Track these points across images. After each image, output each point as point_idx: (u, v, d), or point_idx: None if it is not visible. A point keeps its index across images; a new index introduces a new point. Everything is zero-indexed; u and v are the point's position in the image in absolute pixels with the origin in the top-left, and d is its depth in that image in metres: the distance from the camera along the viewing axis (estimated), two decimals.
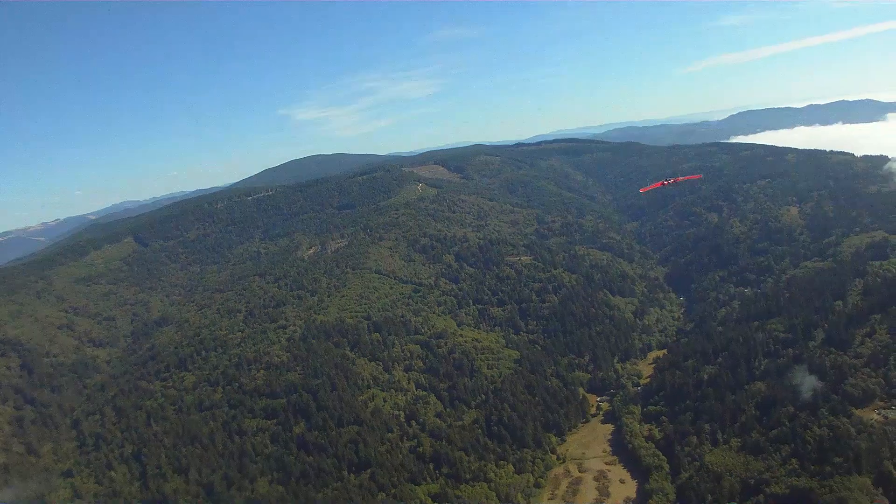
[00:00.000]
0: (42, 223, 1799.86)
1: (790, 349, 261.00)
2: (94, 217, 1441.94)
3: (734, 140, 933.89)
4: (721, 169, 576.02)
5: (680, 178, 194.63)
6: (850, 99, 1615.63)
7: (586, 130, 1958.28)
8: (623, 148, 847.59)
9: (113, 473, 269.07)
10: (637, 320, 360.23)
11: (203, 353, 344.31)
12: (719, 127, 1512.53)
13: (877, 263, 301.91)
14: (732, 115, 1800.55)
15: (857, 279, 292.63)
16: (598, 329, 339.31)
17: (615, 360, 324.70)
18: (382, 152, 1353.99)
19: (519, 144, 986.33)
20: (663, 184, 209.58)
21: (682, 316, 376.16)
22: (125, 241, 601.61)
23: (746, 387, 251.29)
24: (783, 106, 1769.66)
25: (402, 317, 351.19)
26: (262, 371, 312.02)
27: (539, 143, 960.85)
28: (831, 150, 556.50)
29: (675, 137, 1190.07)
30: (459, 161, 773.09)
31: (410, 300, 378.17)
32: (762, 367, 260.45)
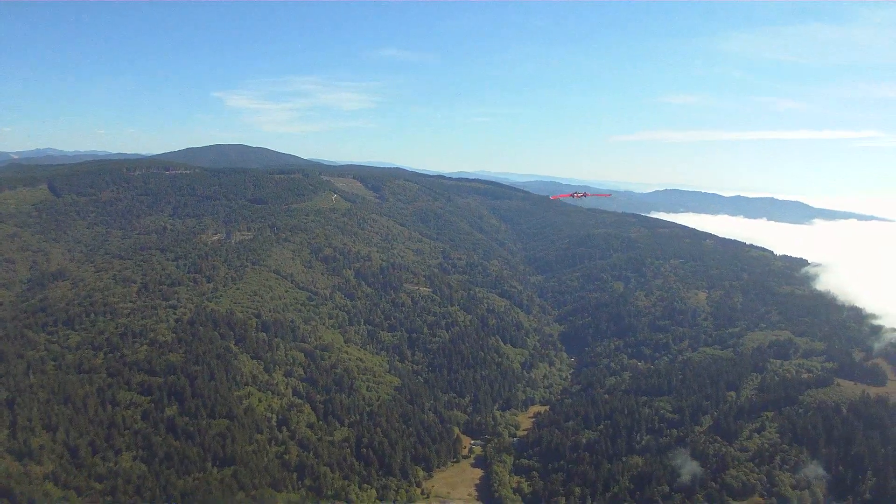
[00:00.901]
0: None
1: (675, 430, 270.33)
2: (16, 157, 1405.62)
3: (655, 215, 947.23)
4: (636, 241, 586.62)
5: (589, 194, 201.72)
6: (780, 198, 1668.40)
7: (510, 177, 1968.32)
8: (542, 201, 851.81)
9: None
10: (524, 372, 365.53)
11: (92, 315, 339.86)
12: (643, 199, 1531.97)
13: (777, 362, 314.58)
14: (658, 191, 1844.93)
15: (755, 374, 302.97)
16: (483, 373, 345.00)
17: (495, 407, 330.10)
18: (305, 156, 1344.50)
19: (440, 176, 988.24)
20: (573, 195, 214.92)
21: (570, 377, 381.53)
22: (40, 187, 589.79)
23: (624, 458, 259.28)
24: (711, 192, 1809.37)
25: (292, 322, 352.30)
26: (145, 346, 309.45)
27: (460, 180, 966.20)
28: (751, 244, 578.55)
29: (596, 202, 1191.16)
30: (378, 181, 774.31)
31: (303, 307, 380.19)
32: (643, 443, 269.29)
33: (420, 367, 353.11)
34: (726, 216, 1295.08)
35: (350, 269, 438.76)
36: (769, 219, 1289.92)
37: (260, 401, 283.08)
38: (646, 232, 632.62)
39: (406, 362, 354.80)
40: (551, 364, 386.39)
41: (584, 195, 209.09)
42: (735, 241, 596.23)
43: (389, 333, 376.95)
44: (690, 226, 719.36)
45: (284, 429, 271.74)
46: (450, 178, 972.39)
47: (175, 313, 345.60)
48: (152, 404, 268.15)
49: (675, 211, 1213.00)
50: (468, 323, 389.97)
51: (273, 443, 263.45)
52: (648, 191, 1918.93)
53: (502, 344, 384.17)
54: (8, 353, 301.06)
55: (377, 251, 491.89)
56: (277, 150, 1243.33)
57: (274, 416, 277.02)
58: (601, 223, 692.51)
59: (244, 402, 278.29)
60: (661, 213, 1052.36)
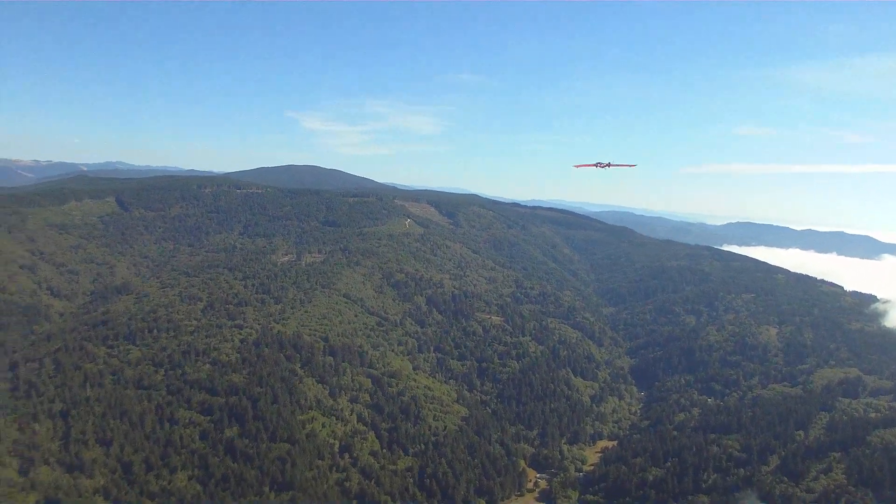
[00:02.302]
0: (34, 160, 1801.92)
1: (742, 469, 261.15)
2: (85, 168, 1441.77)
3: (727, 248, 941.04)
4: (709, 274, 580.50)
5: (614, 164, 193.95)
6: (850, 232, 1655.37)
7: (584, 206, 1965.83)
8: (616, 232, 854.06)
9: (37, 426, 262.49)
10: (593, 406, 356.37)
11: (155, 331, 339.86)
12: (715, 231, 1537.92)
13: (846, 400, 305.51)
14: (731, 223, 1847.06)
15: (823, 412, 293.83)
16: (552, 406, 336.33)
17: (562, 441, 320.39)
18: (379, 179, 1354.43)
19: (515, 204, 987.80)
20: (598, 165, 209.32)
21: (639, 411, 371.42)
22: (107, 199, 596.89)
23: (690, 497, 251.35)
24: (782, 225, 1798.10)
25: (360, 347, 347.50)
26: (207, 365, 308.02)
27: (535, 208, 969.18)
28: (822, 279, 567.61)
29: (670, 232, 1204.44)
30: (452, 206, 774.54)
31: (372, 332, 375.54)
32: (710, 481, 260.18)
33: (489, 397, 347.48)
34: (797, 250, 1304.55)
35: (422, 295, 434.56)
36: (839, 253, 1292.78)
37: (323, 426, 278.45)
38: (719, 265, 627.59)
39: (475, 392, 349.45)
40: (621, 398, 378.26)
41: (609, 164, 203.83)
42: (806, 275, 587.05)
43: (459, 362, 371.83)
44: (762, 259, 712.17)
45: (347, 455, 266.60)
46: (525, 206, 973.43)
47: (240, 333, 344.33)
48: (212, 424, 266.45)
49: (748, 244, 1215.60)
50: (539, 354, 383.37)
51: (334, 469, 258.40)
52: (721, 223, 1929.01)
53: (573, 376, 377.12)
54: (65, 365, 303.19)
55: (450, 278, 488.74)
56: (351, 173, 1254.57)
57: (337, 442, 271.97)
58: (675, 255, 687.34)
59: (307, 426, 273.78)
60: (734, 246, 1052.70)
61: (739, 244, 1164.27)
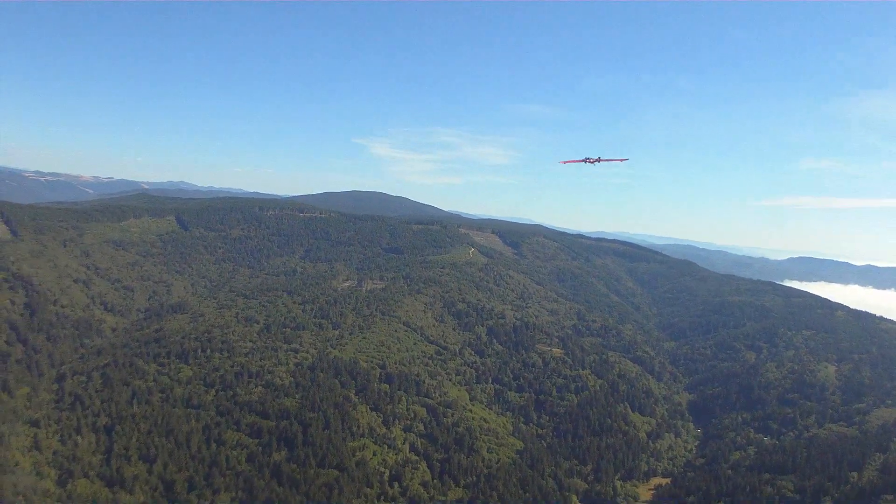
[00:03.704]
0: (95, 177, 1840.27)
1: None
2: (147, 187, 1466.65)
3: (788, 283, 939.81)
4: (770, 310, 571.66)
5: (604, 159, 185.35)
6: None
7: (647, 238, 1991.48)
8: (679, 265, 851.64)
9: (79, 438, 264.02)
10: (649, 442, 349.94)
11: (208, 351, 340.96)
12: (777, 266, 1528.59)
13: None
14: (792, 258, 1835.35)
15: (878, 453, 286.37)
16: (608, 441, 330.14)
17: (616, 477, 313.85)
18: (444, 207, 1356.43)
19: (580, 235, 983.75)
20: (586, 160, 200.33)
21: (695, 448, 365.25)
22: (168, 218, 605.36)
23: None
24: (842, 260, 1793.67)
25: (417, 375, 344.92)
26: (260, 388, 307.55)
27: (599, 240, 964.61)
28: (881, 316, 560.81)
29: (732, 266, 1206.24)
30: (517, 237, 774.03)
31: (430, 361, 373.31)
32: None
33: (545, 430, 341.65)
34: (857, 286, 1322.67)
35: (482, 325, 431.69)
36: None
37: (374, 454, 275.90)
38: (780, 301, 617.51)
39: (531, 425, 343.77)
40: (677, 435, 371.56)
41: (598, 160, 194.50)
42: (866, 312, 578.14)
43: (517, 394, 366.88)
44: (823, 295, 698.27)
45: (396, 485, 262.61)
46: (589, 238, 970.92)
47: (296, 357, 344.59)
48: (260, 447, 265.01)
49: (808, 279, 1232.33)
50: (598, 388, 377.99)
51: (382, 498, 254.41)
52: (782, 258, 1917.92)
53: (631, 412, 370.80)
54: (114, 380, 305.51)
55: (511, 309, 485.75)
56: (417, 200, 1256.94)
57: (387, 471, 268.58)
58: (736, 290, 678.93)
59: (357, 454, 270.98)
60: (795, 282, 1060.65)
61: (800, 279, 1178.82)
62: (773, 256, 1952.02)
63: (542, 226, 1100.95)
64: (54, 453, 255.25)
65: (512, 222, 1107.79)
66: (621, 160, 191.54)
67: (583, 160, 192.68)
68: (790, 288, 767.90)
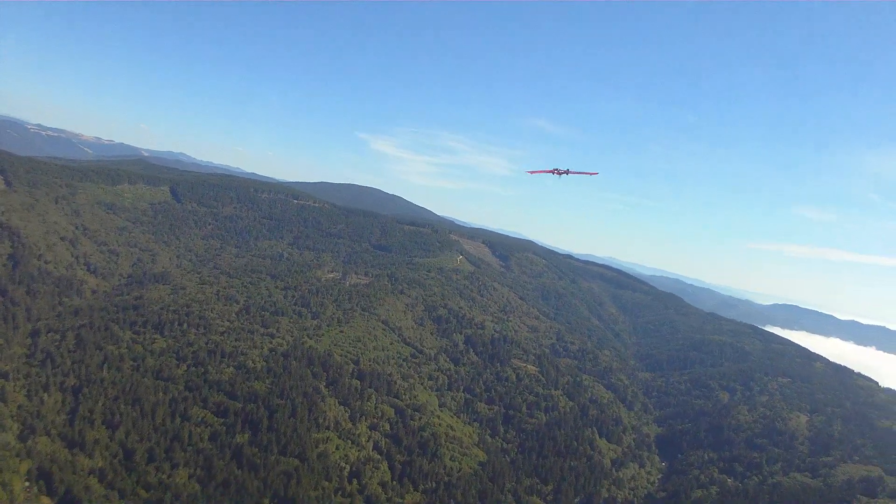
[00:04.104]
0: (96, 137, 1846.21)
1: None
2: (146, 154, 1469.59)
3: (770, 328, 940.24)
4: (749, 353, 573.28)
5: (573, 172, 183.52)
6: (892, 328, 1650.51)
7: (636, 267, 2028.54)
8: (664, 298, 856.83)
9: (45, 396, 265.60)
10: (613, 469, 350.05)
11: (185, 325, 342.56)
12: (761, 310, 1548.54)
13: (864, 499, 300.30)
14: (776, 304, 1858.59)
15: None
16: (571, 463, 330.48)
17: (576, 500, 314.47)
18: (439, 211, 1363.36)
19: (569, 256, 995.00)
20: (555, 171, 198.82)
21: (657, 481, 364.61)
22: (162, 188, 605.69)
23: None
24: (827, 312, 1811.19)
25: (390, 375, 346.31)
26: (231, 368, 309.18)
27: (587, 262, 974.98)
28: (859, 373, 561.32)
29: (717, 305, 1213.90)
30: (507, 249, 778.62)
31: (404, 363, 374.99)
32: None
33: (510, 445, 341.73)
34: (838, 339, 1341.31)
35: (461, 333, 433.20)
36: (878, 348, 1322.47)
37: (337, 448, 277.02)
38: (760, 345, 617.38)
39: (497, 438, 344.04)
40: (642, 465, 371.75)
41: (567, 172, 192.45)
42: (844, 366, 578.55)
43: (487, 406, 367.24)
44: (803, 345, 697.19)
45: (355, 481, 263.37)
46: (578, 260, 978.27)
47: (271, 342, 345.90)
48: (224, 427, 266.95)
49: (791, 327, 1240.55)
50: (568, 409, 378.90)
51: (339, 494, 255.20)
52: (767, 302, 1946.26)
53: (598, 437, 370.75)
54: (88, 342, 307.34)
55: (492, 321, 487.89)
56: (411, 201, 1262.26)
57: (347, 466, 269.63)
58: (718, 330, 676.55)
59: (320, 446, 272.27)
60: (777, 328, 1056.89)
61: (782, 326, 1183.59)
62: (758, 300, 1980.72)
63: (533, 242, 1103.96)
64: (19, 407, 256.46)
65: (503, 235, 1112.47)
66: (591, 174, 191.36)
67: (551, 171, 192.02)
68: (771, 334, 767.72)
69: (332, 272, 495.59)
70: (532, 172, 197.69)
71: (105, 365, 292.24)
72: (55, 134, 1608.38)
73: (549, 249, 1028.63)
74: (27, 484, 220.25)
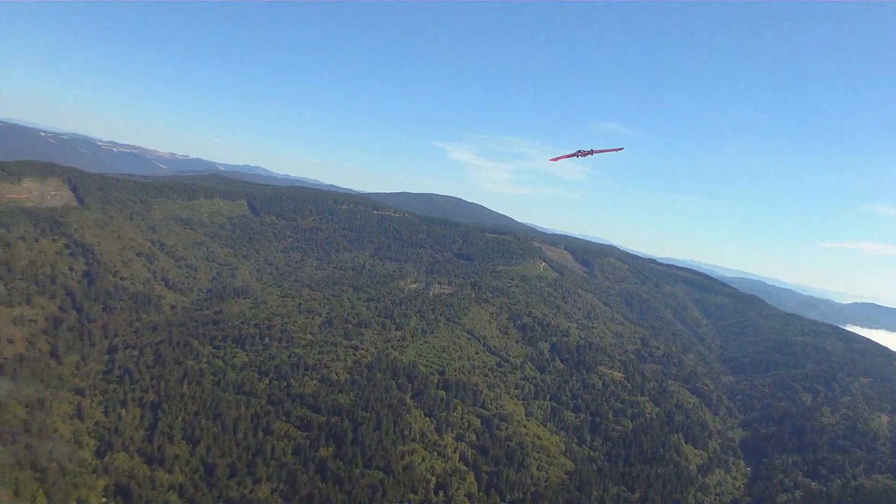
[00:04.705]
0: (171, 153, 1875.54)
1: None
2: (222, 169, 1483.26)
3: (850, 328, 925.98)
4: (831, 354, 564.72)
5: (598, 151, 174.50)
6: None
7: (717, 270, 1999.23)
8: (746, 300, 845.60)
9: (124, 412, 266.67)
10: (699, 475, 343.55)
11: (266, 339, 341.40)
12: (841, 310, 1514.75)
13: None
14: (856, 303, 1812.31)
15: None
16: (658, 471, 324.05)
17: None
18: (520, 218, 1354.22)
19: (651, 260, 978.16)
20: (578, 154, 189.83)
21: (743, 486, 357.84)
22: (239, 202, 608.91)
23: None
24: None
25: (475, 385, 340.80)
26: (315, 381, 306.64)
27: (670, 266, 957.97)
28: None
29: (797, 306, 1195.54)
30: (589, 255, 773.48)
31: (490, 372, 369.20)
32: None
33: (597, 453, 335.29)
34: None
35: (546, 341, 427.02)
36: None
37: (423, 460, 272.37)
38: (841, 345, 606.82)
39: (584, 446, 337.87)
40: (727, 471, 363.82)
41: (591, 152, 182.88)
42: None
43: (573, 414, 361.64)
44: (884, 343, 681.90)
45: (442, 493, 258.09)
46: (660, 264, 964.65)
47: (355, 354, 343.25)
48: (308, 441, 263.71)
49: (871, 326, 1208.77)
50: (654, 416, 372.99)
51: None
52: (846, 301, 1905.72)
53: (684, 443, 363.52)
54: (167, 358, 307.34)
55: (577, 328, 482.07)
56: (492, 209, 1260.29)
57: (434, 478, 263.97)
58: (800, 330, 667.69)
59: (406, 458, 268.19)
60: (857, 327, 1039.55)
61: (862, 325, 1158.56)
62: (837, 299, 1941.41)
63: (615, 247, 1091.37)
64: (96, 424, 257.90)
65: (585, 240, 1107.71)
66: (616, 150, 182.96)
67: (575, 153, 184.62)
68: (852, 333, 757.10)
69: (414, 282, 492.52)
70: (555, 160, 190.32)
71: (185, 380, 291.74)
72: (127, 150, 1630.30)
73: (631, 254, 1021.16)
74: (104, 500, 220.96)
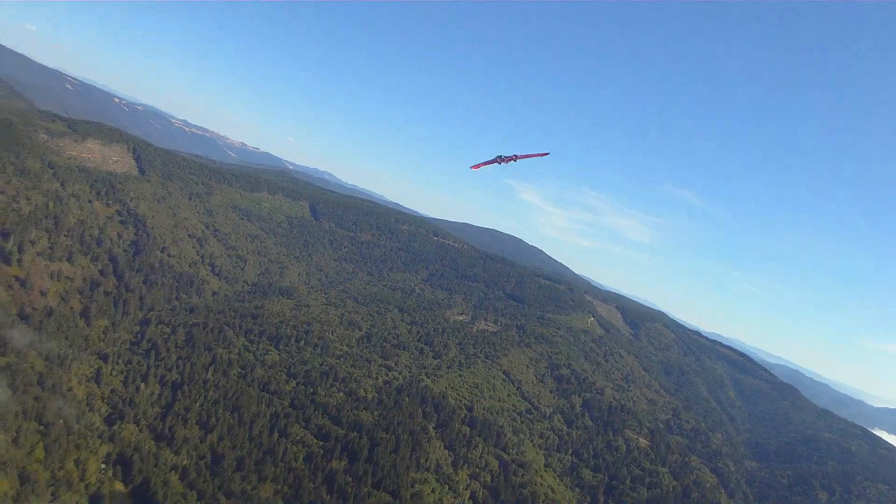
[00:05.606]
0: (242, 143, 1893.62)
1: None
2: (291, 167, 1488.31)
3: (878, 432, 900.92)
4: (855, 455, 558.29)
5: (521, 156, 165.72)
6: None
7: (759, 353, 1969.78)
8: (782, 388, 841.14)
9: (142, 385, 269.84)
10: None
11: (302, 342, 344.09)
12: (872, 413, 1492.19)
13: None
14: (888, 408, 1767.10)
15: None
16: None
17: None
18: (576, 269, 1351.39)
19: (697, 333, 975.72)
20: (499, 160, 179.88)
21: None
22: (301, 203, 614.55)
23: None
24: None
25: (501, 427, 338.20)
26: (342, 394, 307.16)
27: (714, 342, 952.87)
28: None
29: (831, 402, 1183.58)
30: (638, 317, 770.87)
31: (518, 417, 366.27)
32: None
33: None
34: None
35: (580, 396, 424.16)
36: None
37: (433, 491, 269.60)
38: (866, 448, 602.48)
39: None
40: None
41: (515, 158, 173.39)
42: None
43: (592, 473, 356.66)
44: None
45: None
46: (706, 338, 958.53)
47: (387, 374, 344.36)
48: (321, 451, 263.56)
49: None
50: (671, 488, 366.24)
51: None
52: (879, 405, 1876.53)
53: None
54: (198, 341, 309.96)
55: (612, 387, 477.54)
56: (551, 256, 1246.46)
57: None
58: (829, 427, 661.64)
59: (416, 486, 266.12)
60: (884, 432, 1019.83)
61: (890, 431, 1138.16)
62: (870, 401, 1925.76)
63: (664, 313, 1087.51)
64: (112, 391, 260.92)
65: (636, 301, 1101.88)
66: (542, 155, 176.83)
67: (496, 160, 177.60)
68: (879, 438, 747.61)
69: (461, 314, 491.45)
70: (476, 167, 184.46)
71: (211, 367, 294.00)
72: (199, 132, 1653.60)
73: (679, 323, 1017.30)
74: (103, 466, 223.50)
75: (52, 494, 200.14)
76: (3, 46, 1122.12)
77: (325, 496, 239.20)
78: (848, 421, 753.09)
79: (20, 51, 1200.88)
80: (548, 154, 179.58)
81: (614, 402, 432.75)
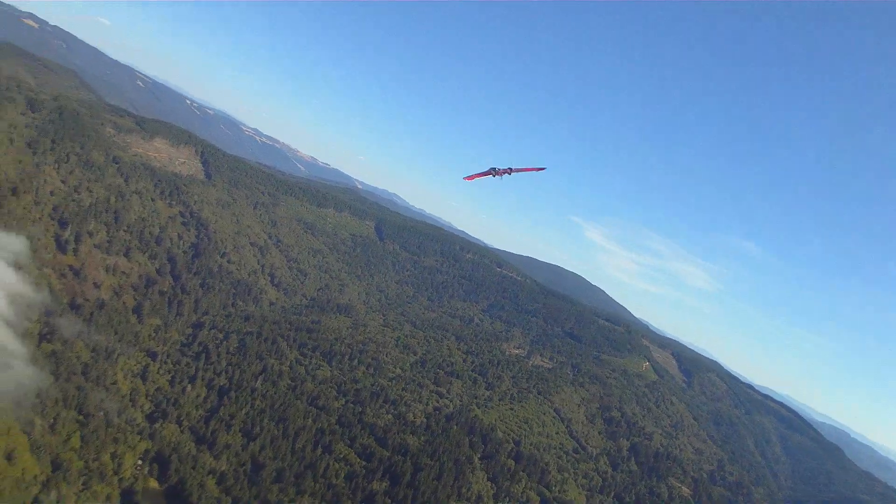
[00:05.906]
0: (312, 157, 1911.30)
1: None
2: (359, 186, 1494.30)
3: None
4: None
5: (516, 170, 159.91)
6: None
7: (809, 411, 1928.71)
8: (828, 448, 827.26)
9: (189, 387, 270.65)
10: None
11: (355, 361, 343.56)
12: None
13: None
14: None
15: None
16: None
17: None
18: (636, 312, 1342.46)
19: (750, 386, 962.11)
20: (493, 172, 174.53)
21: None
22: (367, 222, 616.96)
23: None
24: None
25: (546, 464, 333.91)
26: (390, 416, 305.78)
27: (766, 397, 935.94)
28: None
29: (874, 465, 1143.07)
30: (693, 366, 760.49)
31: (564, 455, 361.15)
32: None
33: None
34: None
35: (628, 440, 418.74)
36: None
37: None
38: None
39: None
40: None
41: (510, 171, 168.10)
42: None
43: None
44: None
45: None
46: (758, 392, 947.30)
47: (438, 401, 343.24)
48: (364, 471, 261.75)
49: None
50: None
51: None
52: None
53: None
54: (250, 350, 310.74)
55: (661, 434, 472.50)
56: (612, 297, 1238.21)
57: None
58: (869, 490, 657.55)
59: None
60: None
61: None
62: None
63: (719, 363, 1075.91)
64: (157, 389, 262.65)
65: (692, 349, 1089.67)
66: (538, 169, 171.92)
67: (489, 172, 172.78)
68: None
69: (517, 348, 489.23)
70: (469, 178, 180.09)
71: (261, 376, 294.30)
72: (269, 142, 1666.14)
73: (733, 375, 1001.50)
74: (140, 463, 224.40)
75: (84, 484, 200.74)
76: (76, 38, 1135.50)
77: None
78: (888, 485, 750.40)
79: (93, 44, 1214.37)
80: (544, 169, 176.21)
81: (661, 449, 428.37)
